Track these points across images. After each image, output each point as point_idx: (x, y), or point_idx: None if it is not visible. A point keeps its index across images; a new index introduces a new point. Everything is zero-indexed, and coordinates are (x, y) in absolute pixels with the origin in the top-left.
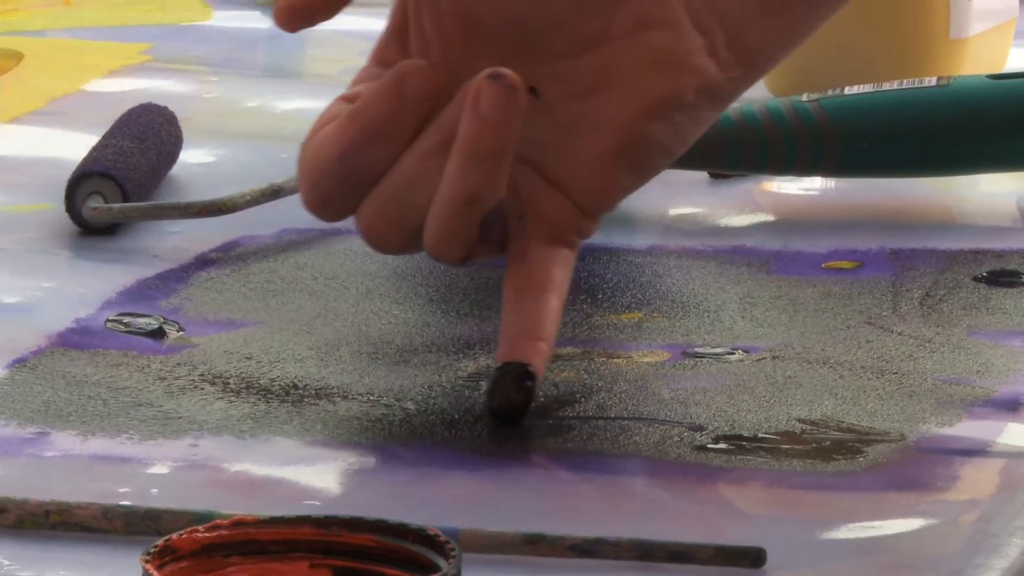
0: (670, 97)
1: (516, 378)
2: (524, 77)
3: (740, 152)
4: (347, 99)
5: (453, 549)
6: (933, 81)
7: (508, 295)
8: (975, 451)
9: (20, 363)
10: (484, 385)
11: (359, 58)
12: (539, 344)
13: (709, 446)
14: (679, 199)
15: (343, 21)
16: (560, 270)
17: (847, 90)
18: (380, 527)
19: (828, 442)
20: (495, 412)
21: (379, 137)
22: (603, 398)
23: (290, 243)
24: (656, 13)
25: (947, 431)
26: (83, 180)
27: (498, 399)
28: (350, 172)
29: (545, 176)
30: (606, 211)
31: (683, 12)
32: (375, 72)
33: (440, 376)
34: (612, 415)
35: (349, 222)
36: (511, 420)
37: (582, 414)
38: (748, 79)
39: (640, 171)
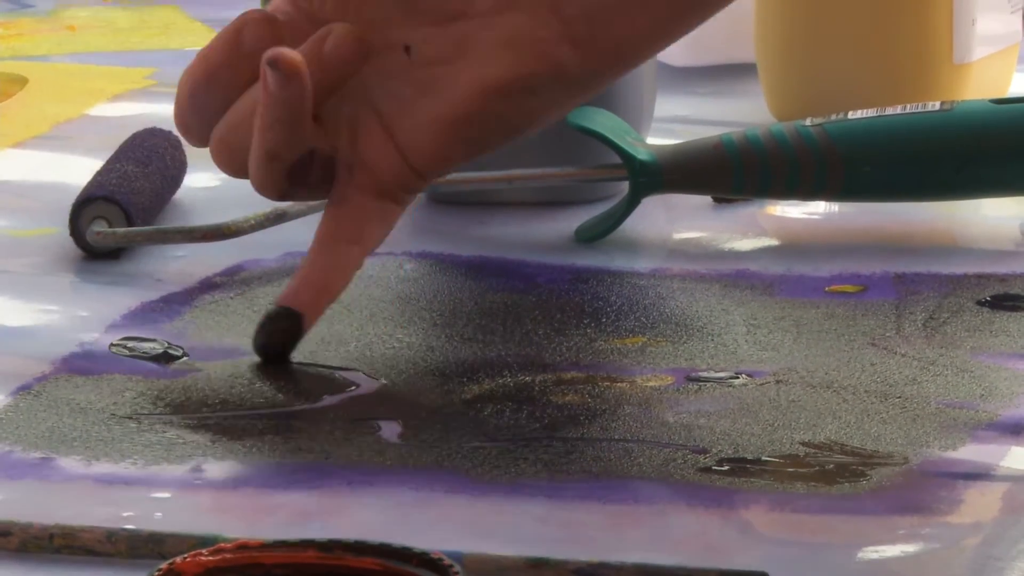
0: (517, 79)
1: (288, 326)
2: (402, 34)
3: (744, 176)
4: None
5: (457, 573)
6: (936, 106)
7: (318, 237)
8: (979, 475)
9: (24, 390)
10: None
11: None
12: (323, 298)
13: (713, 469)
14: (683, 223)
15: None
16: (376, 225)
17: (851, 114)
18: (384, 551)
19: (832, 465)
20: (260, 350)
21: (216, 81)
22: (607, 421)
23: (294, 267)
24: None
25: (951, 455)
26: (87, 204)
27: (263, 340)
28: (197, 107)
29: (387, 128)
30: (436, 175)
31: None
32: None
33: (444, 400)
34: (616, 438)
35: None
36: (273, 361)
37: (586, 437)
38: (612, 72)
39: (476, 143)
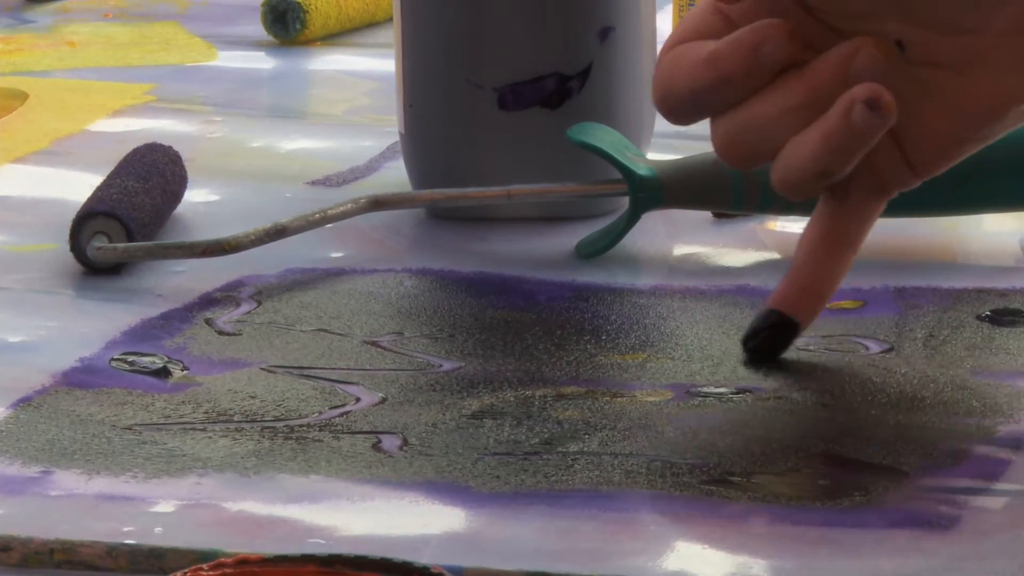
0: None
1: (782, 331)
2: (894, 30)
3: (744, 192)
4: (715, 11)
5: None
6: None
7: (812, 238)
8: (979, 490)
9: (24, 402)
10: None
11: (362, 98)
12: (817, 305)
13: (712, 483)
14: (683, 239)
15: (347, 61)
16: (868, 224)
17: None
18: (385, 565)
19: (831, 480)
20: (749, 352)
21: (729, 87)
22: (606, 436)
23: (294, 283)
24: None
25: (951, 469)
26: (87, 220)
27: (755, 344)
28: (699, 104)
29: (891, 128)
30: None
31: None
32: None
33: (444, 414)
34: (615, 452)
35: (351, 261)
36: (761, 361)
37: (586, 451)
38: None
39: (976, 149)
